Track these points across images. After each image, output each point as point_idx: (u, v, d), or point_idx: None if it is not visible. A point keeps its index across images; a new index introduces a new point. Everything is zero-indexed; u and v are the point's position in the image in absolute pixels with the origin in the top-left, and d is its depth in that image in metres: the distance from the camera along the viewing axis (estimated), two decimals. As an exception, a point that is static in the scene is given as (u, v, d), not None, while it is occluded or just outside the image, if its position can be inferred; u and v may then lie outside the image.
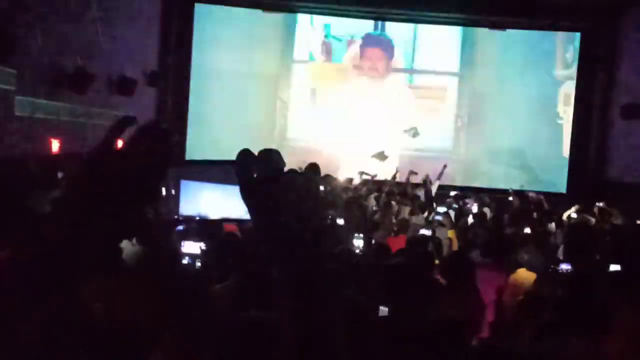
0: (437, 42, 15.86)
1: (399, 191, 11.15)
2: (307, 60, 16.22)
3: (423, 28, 15.79)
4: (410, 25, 15.75)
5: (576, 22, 14.71)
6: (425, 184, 11.85)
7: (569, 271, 5.23)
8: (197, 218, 2.86)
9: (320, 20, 16.07)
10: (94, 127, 10.81)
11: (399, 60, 16.21)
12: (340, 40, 16.20)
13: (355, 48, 16.16)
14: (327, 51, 16.20)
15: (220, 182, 2.89)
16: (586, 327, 3.19)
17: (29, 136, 8.81)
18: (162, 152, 0.93)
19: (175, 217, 2.85)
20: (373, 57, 16.22)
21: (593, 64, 14.71)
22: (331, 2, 15.16)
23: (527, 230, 7.92)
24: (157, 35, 14.30)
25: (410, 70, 16.22)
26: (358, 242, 6.73)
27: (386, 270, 4.01)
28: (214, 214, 2.72)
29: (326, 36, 16.18)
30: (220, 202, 2.84)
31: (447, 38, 15.83)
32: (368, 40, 16.26)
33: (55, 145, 9.35)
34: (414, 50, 16.12)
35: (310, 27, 16.16)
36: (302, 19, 16.08)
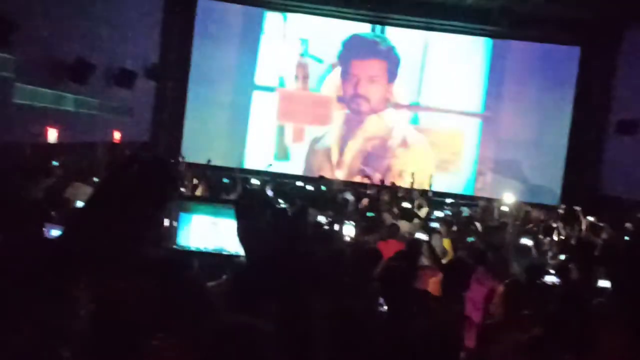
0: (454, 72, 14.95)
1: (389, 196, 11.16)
2: (274, 86, 14.36)
3: (434, 44, 14.93)
4: (418, 39, 15.31)
5: (576, 36, 14.75)
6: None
7: (556, 285, 5.25)
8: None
9: (295, 32, 13.92)
10: (92, 118, 10.80)
11: (402, 87, 14.64)
12: (320, 61, 13.90)
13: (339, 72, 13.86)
14: (304, 75, 13.87)
15: (217, 215, 2.99)
16: (576, 344, 3.20)
17: (26, 124, 8.80)
18: (164, 185, 0.96)
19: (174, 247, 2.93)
20: (365, 75, 14.43)
21: (591, 78, 14.76)
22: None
23: (523, 241, 7.95)
24: (158, 28, 14.28)
25: (417, 107, 14.95)
26: (349, 230, 6.74)
27: (379, 275, 4.02)
28: (209, 246, 2.81)
29: (302, 54, 13.73)
30: (215, 236, 2.93)
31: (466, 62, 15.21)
32: (358, 46, 14.46)
33: (52, 134, 9.34)
34: (421, 75, 14.83)
35: (281, 40, 13.79)
36: (272, 27, 14.24)
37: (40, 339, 0.92)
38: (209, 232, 2.79)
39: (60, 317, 0.96)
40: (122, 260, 1.00)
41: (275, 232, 1.07)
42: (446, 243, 8.24)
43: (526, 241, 7.74)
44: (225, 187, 10.15)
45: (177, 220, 2.74)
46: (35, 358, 0.93)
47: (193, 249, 2.77)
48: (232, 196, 8.79)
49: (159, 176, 0.96)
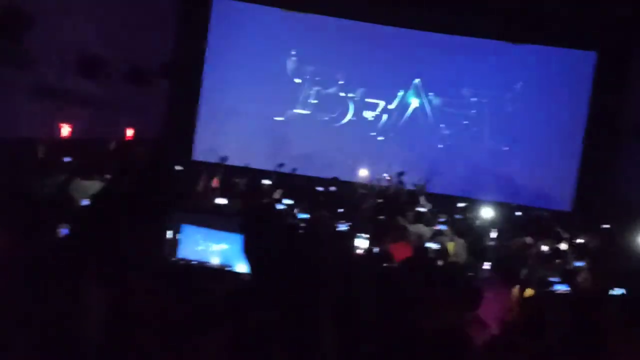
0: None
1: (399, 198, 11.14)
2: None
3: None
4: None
5: (592, 41, 14.65)
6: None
7: (566, 293, 5.21)
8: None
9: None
10: (105, 115, 10.83)
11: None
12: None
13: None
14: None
15: (220, 229, 2.93)
16: (587, 352, 3.16)
17: (40, 119, 8.83)
18: (165, 194, 0.94)
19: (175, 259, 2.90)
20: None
21: (606, 83, 14.63)
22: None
23: (541, 247, 7.89)
24: (173, 27, 14.31)
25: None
26: (362, 243, 6.66)
27: (387, 277, 3.98)
28: (211, 261, 2.76)
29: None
30: (217, 249, 2.88)
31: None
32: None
33: (64, 130, 9.37)
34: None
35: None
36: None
37: (51, 335, 0.90)
38: (211, 246, 2.76)
39: (71, 316, 0.94)
40: (126, 266, 0.97)
41: (282, 248, 1.04)
42: (450, 246, 8.22)
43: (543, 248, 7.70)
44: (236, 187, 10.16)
45: (178, 231, 2.72)
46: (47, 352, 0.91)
47: (194, 261, 2.73)
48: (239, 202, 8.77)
49: (162, 185, 0.93)
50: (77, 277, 0.84)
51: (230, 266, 2.57)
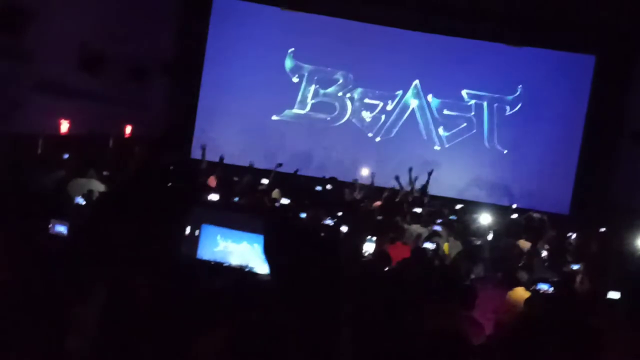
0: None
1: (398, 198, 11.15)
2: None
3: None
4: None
5: (592, 45, 14.68)
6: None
7: (548, 292, 5.24)
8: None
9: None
10: (105, 111, 10.83)
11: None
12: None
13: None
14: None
15: (240, 229, 2.92)
16: (583, 354, 3.17)
17: (39, 114, 8.83)
18: (187, 190, 0.95)
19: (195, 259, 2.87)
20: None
21: (605, 87, 14.66)
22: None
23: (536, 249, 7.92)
24: (175, 24, 14.30)
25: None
26: (368, 247, 6.67)
27: (387, 279, 4.00)
28: (231, 261, 2.75)
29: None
30: (237, 249, 2.86)
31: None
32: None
33: (64, 126, 9.37)
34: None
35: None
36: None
37: (52, 331, 0.91)
38: (232, 246, 2.75)
39: (72, 312, 0.95)
40: (140, 263, 0.98)
41: (303, 249, 1.05)
42: (446, 247, 8.25)
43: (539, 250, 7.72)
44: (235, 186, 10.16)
45: (198, 229, 2.70)
46: (47, 349, 0.91)
47: (213, 262, 2.72)
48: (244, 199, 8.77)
49: (183, 183, 0.95)
50: (82, 276, 0.85)
51: (249, 267, 2.56)
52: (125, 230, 0.87)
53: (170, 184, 0.93)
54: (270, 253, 1.08)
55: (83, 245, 0.89)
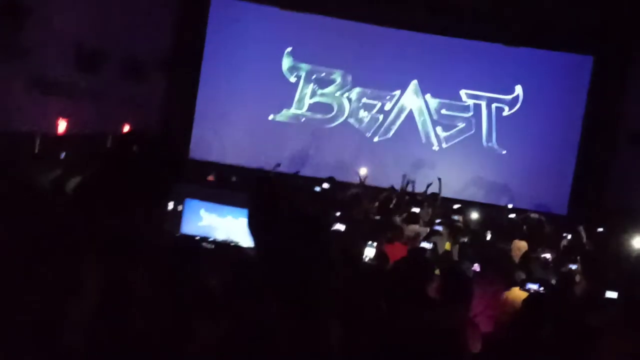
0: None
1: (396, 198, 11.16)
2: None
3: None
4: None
5: (589, 45, 14.70)
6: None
7: (539, 291, 5.26)
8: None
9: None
10: (102, 109, 10.81)
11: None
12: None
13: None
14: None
15: (224, 203, 2.89)
16: (579, 353, 3.18)
17: (36, 112, 8.81)
18: (167, 163, 0.93)
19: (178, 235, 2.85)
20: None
21: (603, 88, 14.68)
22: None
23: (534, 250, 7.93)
24: (172, 20, 14.27)
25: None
26: (369, 251, 6.47)
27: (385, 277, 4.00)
28: (215, 235, 2.72)
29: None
30: (221, 224, 2.84)
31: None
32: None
33: (62, 125, 9.35)
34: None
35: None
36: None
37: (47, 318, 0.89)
38: (216, 220, 2.74)
39: (66, 298, 0.94)
40: (125, 243, 0.97)
41: (289, 224, 1.03)
42: (448, 246, 8.27)
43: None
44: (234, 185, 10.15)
45: (182, 205, 2.69)
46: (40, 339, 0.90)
47: (198, 237, 2.71)
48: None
49: (162, 156, 0.93)
50: (72, 256, 0.84)
51: (234, 241, 2.54)
52: (97, 217, 0.86)
53: (143, 166, 0.91)
54: (254, 228, 1.07)
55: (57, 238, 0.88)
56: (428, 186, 12.13)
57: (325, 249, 1.14)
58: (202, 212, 2.89)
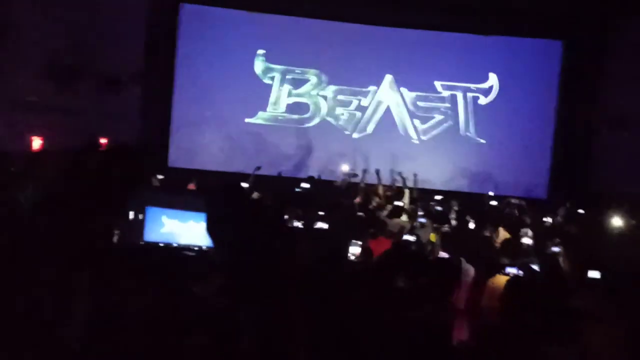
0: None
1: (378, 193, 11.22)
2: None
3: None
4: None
5: (559, 30, 14.85)
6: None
7: (519, 275, 5.33)
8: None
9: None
10: (79, 124, 10.73)
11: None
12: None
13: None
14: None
15: (185, 208, 2.90)
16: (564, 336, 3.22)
17: (11, 130, 8.73)
18: (129, 173, 0.94)
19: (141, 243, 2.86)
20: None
21: (576, 73, 14.83)
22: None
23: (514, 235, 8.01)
24: (143, 33, 14.20)
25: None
26: (354, 249, 6.43)
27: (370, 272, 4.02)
28: (178, 241, 2.72)
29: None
30: (183, 229, 2.85)
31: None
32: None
33: (36, 143, 9.28)
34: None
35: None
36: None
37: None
38: (178, 226, 2.74)
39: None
40: (86, 252, 0.98)
41: (247, 221, 1.05)
42: (433, 237, 8.31)
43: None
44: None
45: (143, 213, 2.68)
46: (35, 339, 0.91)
47: (161, 243, 2.71)
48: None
49: (123, 164, 0.94)
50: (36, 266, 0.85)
51: (197, 246, 2.55)
52: (56, 226, 0.87)
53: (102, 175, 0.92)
54: (213, 231, 1.08)
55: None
56: (404, 180, 12.20)
57: (284, 247, 1.15)
58: (164, 219, 2.89)
